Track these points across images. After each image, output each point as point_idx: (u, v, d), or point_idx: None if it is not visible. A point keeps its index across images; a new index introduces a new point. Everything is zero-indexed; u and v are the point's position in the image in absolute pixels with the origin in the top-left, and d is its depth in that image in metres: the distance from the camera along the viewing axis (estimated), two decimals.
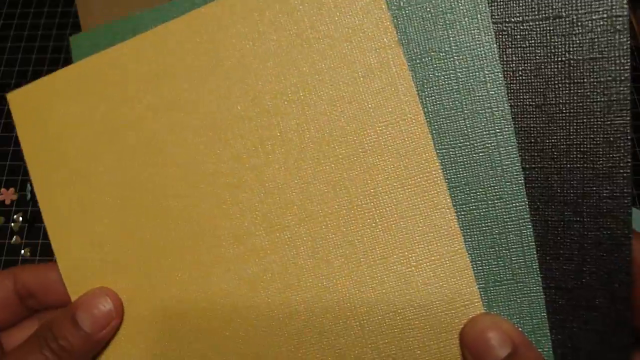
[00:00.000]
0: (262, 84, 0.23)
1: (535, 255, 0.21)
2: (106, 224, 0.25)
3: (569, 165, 0.21)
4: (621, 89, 0.20)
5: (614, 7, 0.20)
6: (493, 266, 0.22)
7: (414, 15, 0.22)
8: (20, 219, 0.54)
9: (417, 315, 0.22)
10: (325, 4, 0.22)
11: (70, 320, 0.24)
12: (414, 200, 0.22)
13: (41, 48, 0.63)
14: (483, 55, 0.21)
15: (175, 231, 0.24)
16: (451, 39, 0.21)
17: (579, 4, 0.20)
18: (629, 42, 0.20)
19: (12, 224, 0.54)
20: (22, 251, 0.53)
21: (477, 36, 0.21)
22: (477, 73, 0.21)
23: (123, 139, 0.25)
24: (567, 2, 0.21)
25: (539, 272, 0.21)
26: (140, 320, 0.25)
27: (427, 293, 0.22)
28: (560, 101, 0.21)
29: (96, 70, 0.25)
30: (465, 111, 0.21)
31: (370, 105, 0.22)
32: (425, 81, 0.22)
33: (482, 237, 0.22)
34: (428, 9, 0.22)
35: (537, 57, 0.21)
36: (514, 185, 0.21)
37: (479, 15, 0.21)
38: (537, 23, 0.21)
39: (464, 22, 0.21)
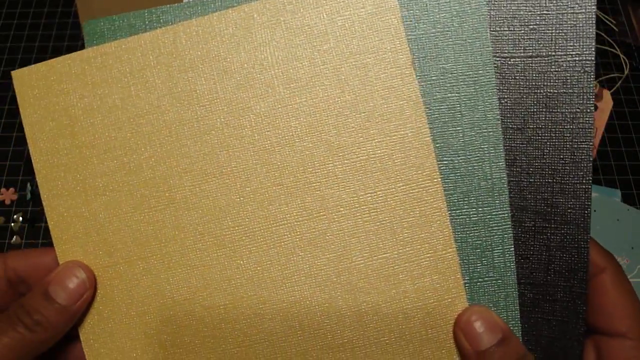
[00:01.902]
0: (279, 83, 0.26)
1: (514, 256, 0.26)
2: (106, 209, 0.26)
3: (541, 180, 0.26)
4: (587, 119, 0.25)
5: (584, 52, 0.25)
6: (477, 265, 0.26)
7: (427, 42, 0.26)
8: (20, 219, 0.56)
9: (412, 305, 0.25)
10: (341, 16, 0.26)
11: (43, 295, 0.25)
12: (415, 204, 0.25)
13: (41, 48, 0.64)
14: (483, 83, 0.26)
15: (177, 220, 0.26)
16: (458, 68, 0.26)
17: (557, 47, 0.25)
18: (593, 81, 0.25)
19: (12, 224, 0.55)
20: None
21: (480, 68, 0.26)
22: (477, 98, 0.26)
23: (134, 126, 0.26)
24: (547, 44, 0.25)
25: (515, 271, 0.26)
26: (140, 309, 0.26)
27: (421, 286, 0.25)
28: (537, 126, 0.26)
29: (112, 56, 0.26)
30: (466, 130, 0.26)
31: (379, 119, 0.26)
32: (432, 100, 0.26)
33: (470, 239, 0.26)
34: (439, 40, 0.26)
35: (520, 88, 0.26)
36: (501, 195, 0.26)
37: (482, 50, 0.26)
38: (522, 59, 0.26)
39: (469, 54, 0.26)
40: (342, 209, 0.25)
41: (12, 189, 0.57)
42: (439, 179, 0.25)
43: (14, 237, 0.55)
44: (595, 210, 0.57)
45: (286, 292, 0.25)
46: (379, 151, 0.25)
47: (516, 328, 0.26)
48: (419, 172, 0.25)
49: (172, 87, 0.26)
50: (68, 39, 0.65)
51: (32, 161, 0.26)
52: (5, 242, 0.55)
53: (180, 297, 0.26)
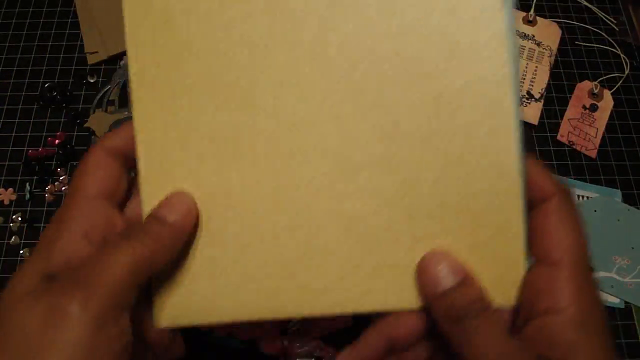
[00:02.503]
0: (369, 5, 0.26)
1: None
2: (189, 108, 0.27)
3: None
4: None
5: None
6: None
7: None
8: (19, 219, 0.56)
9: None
10: None
11: (154, 219, 0.26)
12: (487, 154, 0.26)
13: (40, 48, 0.64)
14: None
15: (254, 126, 0.27)
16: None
17: None
18: None
19: (11, 224, 0.55)
20: (22, 251, 0.54)
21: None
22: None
23: (226, 32, 0.27)
24: None
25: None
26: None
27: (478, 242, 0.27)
28: None
29: None
30: None
31: (464, 53, 0.26)
32: None
33: None
34: None
35: None
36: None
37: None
38: None
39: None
40: (413, 139, 0.26)
41: (10, 189, 0.57)
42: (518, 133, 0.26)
43: (13, 237, 0.55)
44: (595, 210, 0.58)
45: (349, 206, 0.27)
46: (456, 86, 0.26)
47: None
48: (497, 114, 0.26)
49: (268, 1, 0.27)
50: (67, 38, 0.65)
51: (127, 54, 0.27)
52: (4, 242, 0.55)
53: (242, 188, 0.27)
